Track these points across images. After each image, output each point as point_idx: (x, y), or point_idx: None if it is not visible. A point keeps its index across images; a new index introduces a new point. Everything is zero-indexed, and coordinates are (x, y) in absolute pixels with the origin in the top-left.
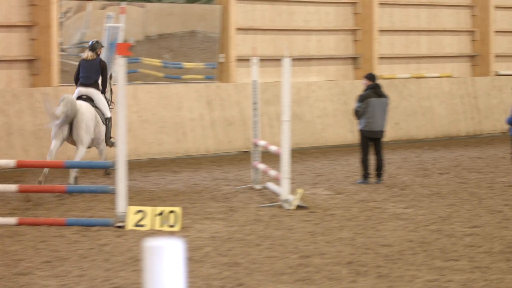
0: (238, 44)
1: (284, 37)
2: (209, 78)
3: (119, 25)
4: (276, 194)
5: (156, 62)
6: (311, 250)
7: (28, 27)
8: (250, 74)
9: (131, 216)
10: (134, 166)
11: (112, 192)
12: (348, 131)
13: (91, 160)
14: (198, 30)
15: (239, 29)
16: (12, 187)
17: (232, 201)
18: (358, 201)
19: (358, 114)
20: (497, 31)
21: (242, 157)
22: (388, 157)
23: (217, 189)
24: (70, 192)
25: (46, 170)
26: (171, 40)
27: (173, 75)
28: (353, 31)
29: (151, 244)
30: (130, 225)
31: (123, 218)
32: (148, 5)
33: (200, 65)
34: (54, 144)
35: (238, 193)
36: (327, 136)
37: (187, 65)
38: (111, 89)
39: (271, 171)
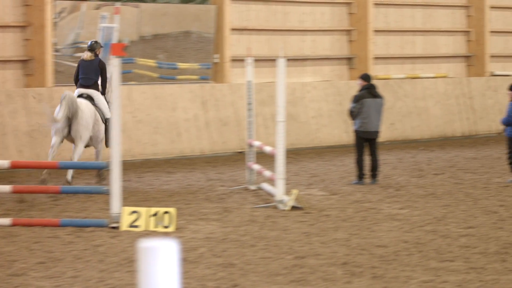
0: (233, 45)
1: (279, 37)
2: (203, 79)
3: (114, 25)
4: (271, 195)
5: (151, 62)
6: (306, 250)
7: (22, 27)
8: (245, 75)
9: (126, 217)
10: (128, 166)
11: (106, 193)
12: (343, 132)
13: (86, 160)
14: (192, 30)
15: (233, 29)
16: (6, 187)
17: (226, 201)
18: (353, 202)
19: (353, 114)
20: (492, 31)
21: (237, 158)
22: (383, 157)
23: (211, 190)
24: (64, 193)
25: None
26: (166, 41)
27: (168, 76)
28: (348, 31)
29: (146, 245)
30: (124, 226)
31: (117, 219)
32: (143, 5)
33: (194, 65)
34: (55, 140)
35: (232, 194)
36: (322, 137)
37: (181, 65)
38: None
39: (265, 171)
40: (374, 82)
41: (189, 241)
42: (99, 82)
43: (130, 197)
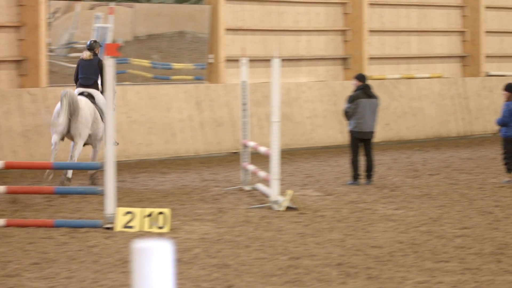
0: (228, 45)
1: (274, 37)
2: (198, 79)
3: (108, 25)
4: (265, 195)
5: (145, 62)
6: (301, 251)
7: (16, 27)
8: (240, 75)
9: (120, 217)
10: (122, 167)
11: (100, 194)
12: (338, 132)
13: (80, 161)
14: (187, 30)
15: (228, 29)
16: (0, 188)
17: (221, 202)
18: (348, 202)
19: (348, 115)
20: (487, 32)
21: (232, 158)
22: (378, 158)
23: (206, 190)
24: (59, 194)
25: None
26: (160, 41)
27: (162, 76)
28: (343, 32)
29: (140, 245)
30: (118, 226)
31: (111, 220)
32: (137, 5)
33: (189, 65)
34: (55, 138)
35: (227, 194)
36: (316, 137)
37: (176, 65)
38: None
39: (260, 172)
40: (369, 82)
41: (184, 241)
42: (99, 81)
43: (125, 198)
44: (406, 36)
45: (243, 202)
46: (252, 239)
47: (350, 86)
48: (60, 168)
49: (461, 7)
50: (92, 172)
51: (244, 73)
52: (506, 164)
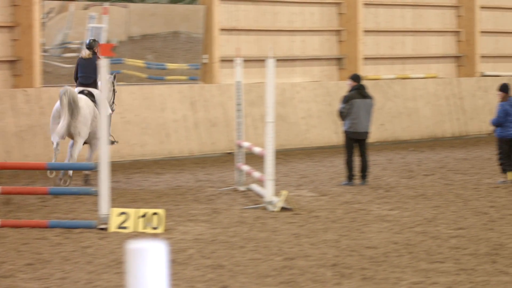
0: (222, 45)
1: (268, 37)
2: (192, 79)
3: (102, 25)
4: (260, 196)
5: (139, 63)
6: (296, 252)
7: (10, 27)
8: (234, 75)
9: (114, 218)
10: (117, 167)
11: (95, 194)
12: (332, 132)
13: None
14: (181, 30)
15: (222, 29)
16: None
17: (215, 203)
18: (343, 203)
19: (343, 115)
20: (482, 32)
21: (226, 159)
22: (373, 158)
23: (200, 191)
24: (53, 194)
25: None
26: (154, 41)
27: (156, 76)
28: (338, 32)
29: (134, 246)
30: (113, 227)
31: (106, 220)
32: (131, 5)
33: (183, 66)
34: (56, 139)
35: (222, 195)
36: (311, 138)
37: (170, 66)
38: (114, 90)
39: (255, 172)
40: (364, 82)
41: (178, 242)
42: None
43: (119, 198)
44: (401, 36)
45: (238, 203)
46: (247, 239)
47: (345, 86)
48: (54, 169)
49: (456, 7)
50: (86, 172)
51: (238, 73)
52: (501, 164)
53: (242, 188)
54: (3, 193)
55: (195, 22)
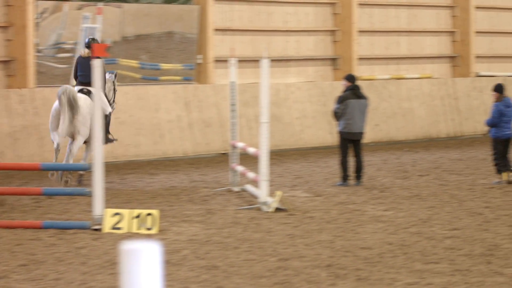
0: (216, 45)
1: (263, 37)
2: (186, 79)
3: (96, 25)
4: (254, 197)
5: (133, 63)
6: (290, 253)
7: (4, 27)
8: (228, 75)
9: (108, 219)
10: (111, 168)
11: (88, 195)
12: (327, 133)
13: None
14: (175, 30)
15: (217, 29)
16: None
17: (210, 203)
18: (338, 204)
19: (337, 115)
20: (477, 32)
21: (220, 159)
22: (368, 159)
23: (195, 192)
24: (46, 195)
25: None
26: (148, 41)
27: (151, 76)
28: (332, 32)
29: (128, 247)
30: (107, 228)
31: (100, 221)
32: (125, 5)
33: (177, 66)
34: (56, 139)
35: (216, 196)
36: (306, 138)
37: (164, 66)
38: (114, 89)
39: (249, 173)
40: (358, 83)
41: (172, 243)
42: None
43: (113, 199)
44: (396, 37)
45: (232, 203)
46: (241, 240)
47: (340, 86)
48: (48, 169)
49: (451, 7)
50: (80, 173)
51: (233, 74)
52: (496, 165)
53: (236, 189)
54: None
55: (189, 22)
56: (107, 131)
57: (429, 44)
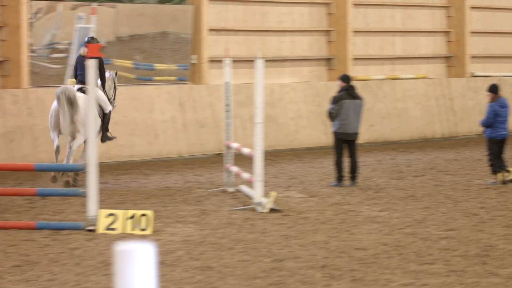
0: (211, 45)
1: (257, 38)
2: (181, 80)
3: (90, 26)
4: (249, 197)
5: (128, 63)
6: (285, 253)
7: None
8: (223, 76)
9: (102, 219)
10: (105, 169)
11: (83, 195)
12: (322, 133)
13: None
14: (170, 31)
15: (211, 30)
16: None
17: (204, 204)
18: (332, 204)
19: (332, 116)
20: (472, 32)
21: (215, 160)
22: (363, 159)
23: (189, 192)
24: (40, 195)
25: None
26: (143, 41)
27: (145, 77)
28: (327, 32)
29: (123, 247)
30: (101, 228)
31: (94, 222)
32: (119, 5)
33: (172, 66)
34: (54, 135)
35: (210, 196)
36: (300, 138)
37: (159, 66)
38: (114, 87)
39: (244, 173)
40: (353, 83)
41: (167, 244)
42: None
43: (107, 200)
44: (391, 37)
45: (227, 204)
46: (236, 241)
47: (334, 87)
48: (42, 170)
49: (446, 7)
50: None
51: (227, 74)
52: (491, 165)
53: (231, 189)
54: None
55: (183, 22)
56: (106, 129)
57: (424, 44)
